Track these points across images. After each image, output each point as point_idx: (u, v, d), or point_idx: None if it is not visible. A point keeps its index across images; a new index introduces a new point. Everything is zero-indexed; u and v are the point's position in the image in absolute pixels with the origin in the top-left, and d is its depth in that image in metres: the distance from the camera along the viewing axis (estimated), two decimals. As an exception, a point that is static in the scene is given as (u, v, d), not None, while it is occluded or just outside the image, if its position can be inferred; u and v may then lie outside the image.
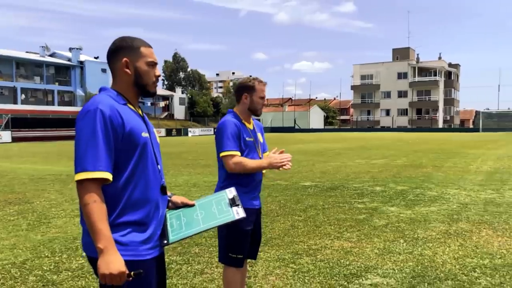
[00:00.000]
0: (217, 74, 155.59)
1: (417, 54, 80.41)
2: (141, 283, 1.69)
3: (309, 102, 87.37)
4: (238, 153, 2.77)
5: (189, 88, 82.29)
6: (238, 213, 1.94)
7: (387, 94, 78.73)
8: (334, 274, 4.06)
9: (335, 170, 12.77)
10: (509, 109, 72.05)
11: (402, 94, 77.66)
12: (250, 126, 2.96)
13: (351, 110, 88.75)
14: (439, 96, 76.15)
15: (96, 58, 61.56)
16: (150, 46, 1.86)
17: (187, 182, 10.23)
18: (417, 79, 76.33)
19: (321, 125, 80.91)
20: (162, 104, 70.70)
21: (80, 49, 58.91)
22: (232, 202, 2.00)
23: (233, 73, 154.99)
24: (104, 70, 58.05)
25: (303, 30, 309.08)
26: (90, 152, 1.60)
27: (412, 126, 72.76)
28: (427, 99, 76.49)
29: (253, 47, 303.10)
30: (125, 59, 1.80)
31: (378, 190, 8.84)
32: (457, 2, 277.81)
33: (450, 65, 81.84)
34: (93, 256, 1.65)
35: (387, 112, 78.72)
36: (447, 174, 11.33)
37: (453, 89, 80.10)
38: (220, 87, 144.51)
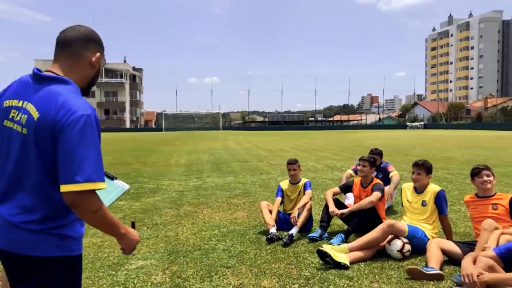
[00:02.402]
0: None
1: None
2: (78, 277, 1.75)
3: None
4: None
5: None
6: (123, 184, 2.03)
7: (74, 93, 76.18)
8: (99, 267, 4.15)
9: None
10: (180, 111, 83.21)
11: (90, 94, 76.12)
12: None
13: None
14: (125, 97, 79.77)
15: None
16: None
17: None
18: (104, 80, 77.29)
19: None
20: None
21: None
22: (110, 177, 2.04)
23: None
24: None
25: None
26: (92, 162, 1.54)
27: (102, 126, 73.29)
28: (114, 100, 78.73)
29: None
30: (98, 54, 1.76)
31: (100, 188, 8.94)
32: (139, 12, 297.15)
33: (134, 69, 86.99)
34: (47, 256, 1.61)
35: (75, 112, 76.22)
36: (154, 168, 12.51)
37: (138, 92, 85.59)
38: None
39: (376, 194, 4.94)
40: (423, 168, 4.65)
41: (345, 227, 5.36)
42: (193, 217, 6.21)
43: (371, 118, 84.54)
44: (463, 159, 14.18)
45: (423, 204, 4.58)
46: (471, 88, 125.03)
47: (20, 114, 1.60)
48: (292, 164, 5.47)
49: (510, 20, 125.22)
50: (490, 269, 2.84)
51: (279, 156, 16.06)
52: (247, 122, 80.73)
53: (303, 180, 5.54)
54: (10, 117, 1.62)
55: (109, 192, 2.00)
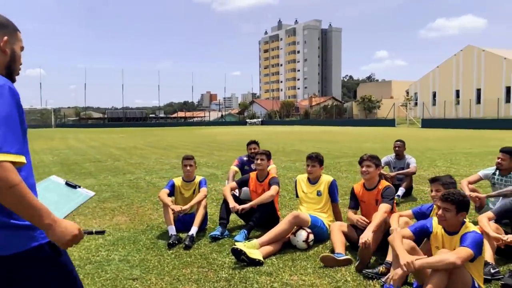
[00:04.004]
0: None
1: None
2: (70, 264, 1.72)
3: None
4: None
5: None
6: (87, 191, 1.89)
7: None
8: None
9: None
10: None
11: None
12: None
13: None
14: None
15: None
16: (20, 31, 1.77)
17: None
18: None
19: None
20: None
21: None
22: (73, 185, 1.91)
23: None
24: None
25: None
26: (8, 133, 1.44)
27: None
28: None
29: None
30: (6, 37, 1.65)
31: None
32: None
33: None
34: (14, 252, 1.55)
35: None
36: (-14, 174, 10.45)
37: None
38: None
39: (275, 188, 5.02)
40: (317, 160, 4.91)
41: (239, 222, 5.34)
42: (65, 227, 5.35)
43: (213, 115, 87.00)
44: (309, 151, 15.59)
45: (318, 194, 4.83)
46: (298, 88, 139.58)
47: None
48: (190, 159, 5.18)
49: (327, 29, 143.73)
50: (412, 250, 3.15)
51: (136, 155, 15.16)
52: (84, 119, 74.35)
53: (198, 178, 5.29)
54: None
55: (70, 199, 1.84)
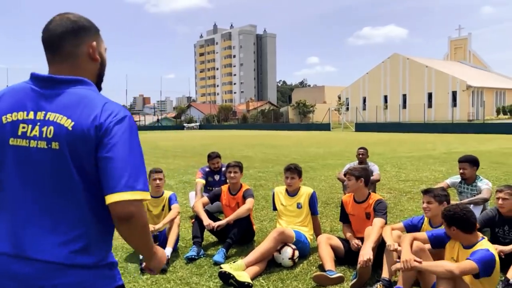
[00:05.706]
0: None
1: None
2: None
3: None
4: None
5: None
6: None
7: None
8: None
9: None
10: None
11: None
12: None
13: None
14: None
15: None
16: None
17: None
18: None
19: None
20: None
21: None
22: None
23: None
24: None
25: None
26: (143, 169, 1.35)
27: None
28: None
29: None
30: (94, 42, 1.46)
31: None
32: None
33: None
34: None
35: None
36: None
37: None
38: None
39: (251, 201, 4.77)
40: (296, 172, 4.72)
41: (211, 238, 5.01)
42: None
43: (148, 119, 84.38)
44: (258, 157, 15.54)
45: (299, 206, 4.64)
46: (235, 93, 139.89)
47: (38, 127, 1.33)
48: (159, 172, 4.75)
49: (262, 34, 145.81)
50: (421, 251, 3.16)
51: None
52: (4, 123, 68.55)
53: (167, 193, 4.88)
54: (20, 133, 1.34)
55: None
